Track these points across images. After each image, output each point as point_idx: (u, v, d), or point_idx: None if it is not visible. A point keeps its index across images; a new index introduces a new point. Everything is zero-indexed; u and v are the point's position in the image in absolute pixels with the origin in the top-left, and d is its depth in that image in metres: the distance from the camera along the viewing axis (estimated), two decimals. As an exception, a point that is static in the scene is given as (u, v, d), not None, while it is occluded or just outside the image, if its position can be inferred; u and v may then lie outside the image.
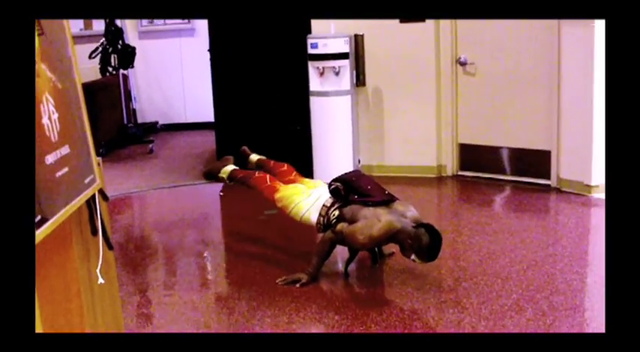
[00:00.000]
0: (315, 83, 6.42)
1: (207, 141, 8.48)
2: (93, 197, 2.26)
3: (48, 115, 1.90)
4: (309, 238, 4.68)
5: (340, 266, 4.40)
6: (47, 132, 1.89)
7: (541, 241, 4.84)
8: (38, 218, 1.74)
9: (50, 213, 1.83)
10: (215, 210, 6.56)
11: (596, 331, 3.45)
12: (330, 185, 4.26)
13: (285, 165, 4.74)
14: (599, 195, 5.72)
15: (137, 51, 9.14)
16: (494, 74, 6.39)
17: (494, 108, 6.45)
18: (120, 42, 8.93)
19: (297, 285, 4.10)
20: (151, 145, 8.72)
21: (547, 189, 6.13)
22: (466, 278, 4.15)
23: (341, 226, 4.01)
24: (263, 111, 6.92)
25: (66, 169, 1.99)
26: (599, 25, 5.49)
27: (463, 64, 6.50)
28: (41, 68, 1.89)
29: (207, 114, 7.89)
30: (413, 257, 3.81)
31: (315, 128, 6.54)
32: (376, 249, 4.34)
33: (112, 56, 8.92)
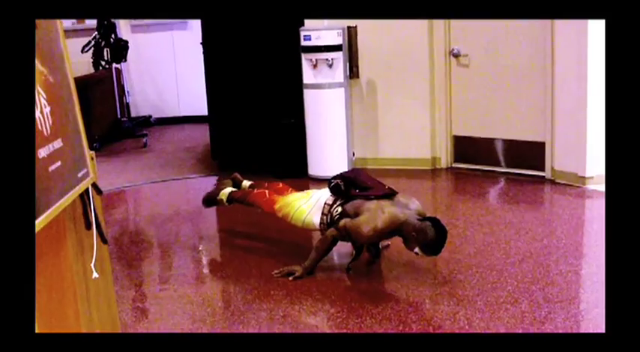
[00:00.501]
0: (308, 75, 6.41)
1: (201, 134, 8.46)
2: (87, 191, 2.25)
3: (40, 109, 1.89)
4: (305, 232, 4.67)
5: (336, 261, 4.40)
6: (39, 126, 1.87)
7: (536, 233, 4.84)
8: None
9: (43, 207, 1.82)
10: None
11: (591, 323, 3.46)
12: (329, 182, 4.24)
13: (281, 183, 4.74)
14: (594, 186, 5.73)
15: (130, 45, 9.11)
16: (488, 66, 6.38)
17: (488, 100, 6.45)
18: (112, 36, 8.91)
19: (291, 278, 4.09)
20: (144, 139, 8.70)
21: (541, 180, 6.14)
22: (461, 271, 4.15)
23: (344, 222, 3.98)
24: (256, 104, 6.90)
25: (59, 163, 1.98)
26: (593, 17, 5.49)
27: (457, 55, 6.50)
28: (33, 61, 1.87)
29: (201, 108, 7.87)
30: (416, 250, 3.78)
31: (308, 121, 6.53)
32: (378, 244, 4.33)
33: (105, 50, 8.89)
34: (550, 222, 5.23)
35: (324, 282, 4.11)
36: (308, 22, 6.50)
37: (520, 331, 3.34)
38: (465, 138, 6.68)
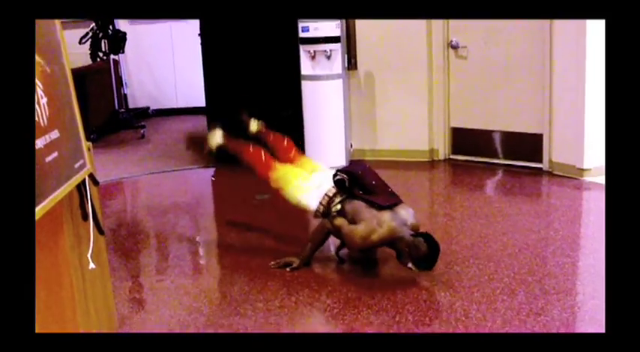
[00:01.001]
0: (306, 67, 6.41)
1: (199, 126, 8.45)
2: (83, 182, 2.25)
3: (37, 100, 1.89)
4: (302, 223, 4.67)
5: (333, 251, 4.40)
6: (36, 117, 1.87)
7: (533, 224, 4.85)
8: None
9: (40, 197, 1.83)
10: (207, 194, 6.56)
11: (587, 314, 3.47)
12: (335, 175, 4.15)
13: (286, 139, 4.63)
14: (591, 178, 5.73)
15: (128, 36, 9.08)
16: (486, 57, 6.37)
17: (486, 92, 6.44)
18: (110, 27, 8.87)
19: (288, 269, 4.09)
20: (142, 130, 8.69)
21: (539, 172, 6.14)
22: (458, 262, 4.15)
23: (340, 222, 3.94)
24: (254, 96, 6.88)
25: (55, 154, 1.98)
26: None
27: (455, 47, 6.49)
28: (29, 52, 1.87)
29: (199, 99, 7.85)
30: (410, 265, 3.77)
31: (306, 112, 6.53)
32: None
33: (103, 41, 8.86)
34: (547, 214, 5.24)
35: (320, 274, 4.11)
36: (306, 14, 6.48)
37: (517, 322, 3.35)
38: (462, 129, 6.68)
